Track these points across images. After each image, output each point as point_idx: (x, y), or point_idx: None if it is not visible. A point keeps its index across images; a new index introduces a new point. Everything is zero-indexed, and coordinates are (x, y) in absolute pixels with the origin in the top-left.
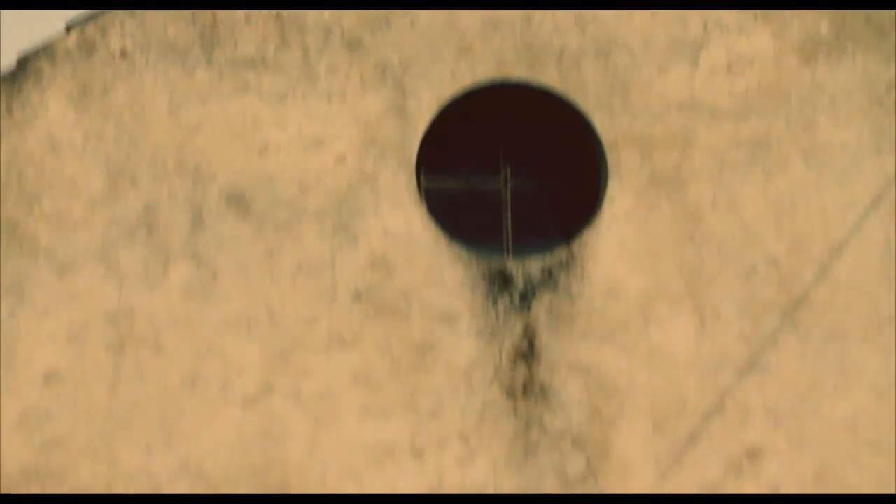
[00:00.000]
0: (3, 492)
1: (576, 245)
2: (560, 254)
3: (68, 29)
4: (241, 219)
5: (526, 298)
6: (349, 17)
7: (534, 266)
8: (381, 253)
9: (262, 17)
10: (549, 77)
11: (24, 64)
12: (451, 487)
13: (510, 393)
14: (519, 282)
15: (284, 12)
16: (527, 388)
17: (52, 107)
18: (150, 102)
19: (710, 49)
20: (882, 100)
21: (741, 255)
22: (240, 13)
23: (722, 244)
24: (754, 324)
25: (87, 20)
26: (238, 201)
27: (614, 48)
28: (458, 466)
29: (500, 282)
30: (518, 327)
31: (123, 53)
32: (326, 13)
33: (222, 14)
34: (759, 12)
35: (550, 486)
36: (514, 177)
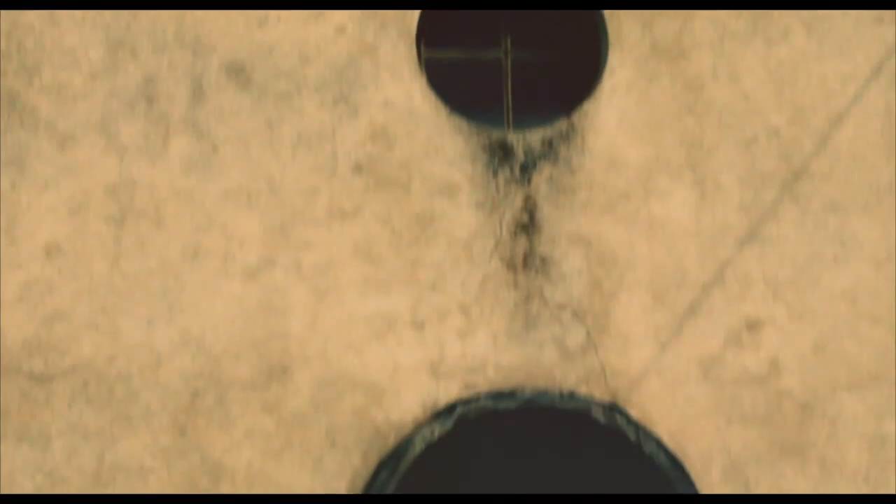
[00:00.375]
0: (4, 365)
1: (576, 116)
2: (560, 125)
3: None
4: (241, 90)
5: (526, 170)
6: None
7: (534, 137)
8: (382, 124)
9: None
10: None
11: None
12: (452, 359)
13: (510, 265)
14: (519, 153)
15: None
16: (527, 261)
17: None
18: None
19: None
20: None
21: (742, 126)
22: None
23: (722, 115)
24: (754, 195)
25: None
26: (238, 73)
27: None
28: (459, 338)
29: (501, 153)
30: (518, 199)
31: None
32: None
33: None
34: None
35: (550, 358)
36: (514, 48)
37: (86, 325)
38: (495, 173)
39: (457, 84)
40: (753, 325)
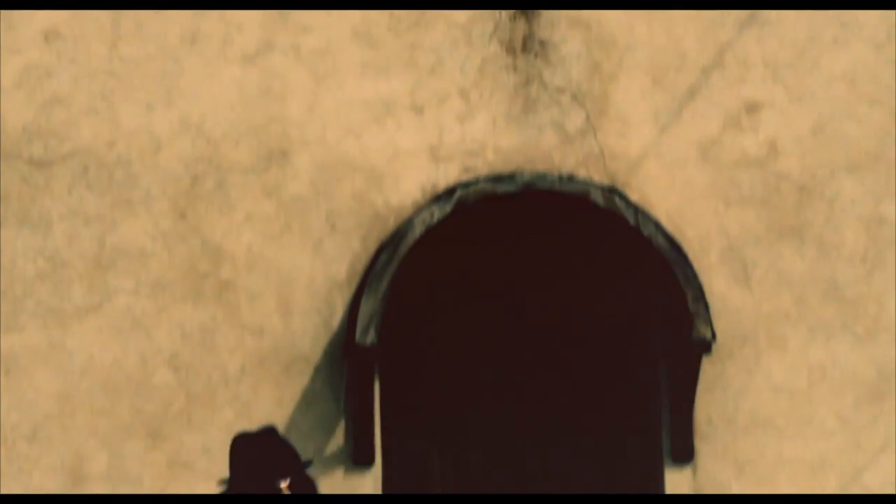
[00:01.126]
0: (3, 151)
1: None
2: None
3: None
4: None
5: None
6: None
7: None
8: None
9: None
10: None
11: None
12: (451, 143)
13: (509, 48)
14: None
15: None
16: (526, 44)
17: None
18: None
19: None
20: None
21: None
22: None
23: None
24: None
25: None
26: None
27: None
28: (458, 122)
29: None
30: None
31: None
32: None
33: None
34: None
35: (549, 142)
36: None
37: (85, 110)
38: None
39: None
40: (752, 108)
